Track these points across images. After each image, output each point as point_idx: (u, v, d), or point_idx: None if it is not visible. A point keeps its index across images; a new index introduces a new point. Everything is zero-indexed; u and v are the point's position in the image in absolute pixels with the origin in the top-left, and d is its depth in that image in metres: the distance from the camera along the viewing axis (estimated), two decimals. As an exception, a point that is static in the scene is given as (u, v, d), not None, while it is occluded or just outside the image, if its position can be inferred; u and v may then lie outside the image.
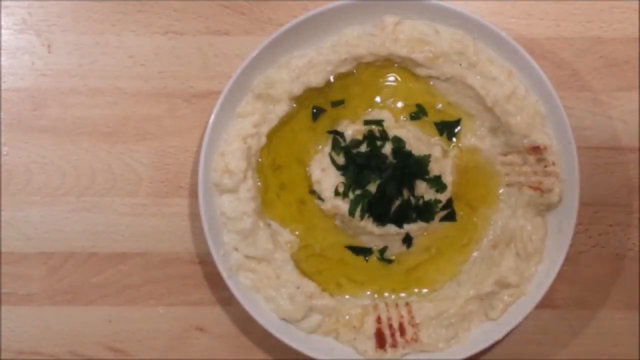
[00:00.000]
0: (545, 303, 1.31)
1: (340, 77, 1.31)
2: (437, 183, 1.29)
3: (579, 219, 1.29)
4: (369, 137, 1.29)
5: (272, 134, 1.30)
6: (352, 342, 1.29)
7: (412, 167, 1.28)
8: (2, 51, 1.35)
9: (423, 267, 1.32)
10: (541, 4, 1.36)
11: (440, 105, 1.32)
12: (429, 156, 1.28)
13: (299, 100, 1.30)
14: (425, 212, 1.29)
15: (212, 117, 1.26)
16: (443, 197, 1.30)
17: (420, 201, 1.29)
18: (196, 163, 1.33)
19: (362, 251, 1.32)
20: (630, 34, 1.36)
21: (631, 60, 1.36)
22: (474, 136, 1.32)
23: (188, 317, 1.34)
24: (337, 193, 1.29)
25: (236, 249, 1.28)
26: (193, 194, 1.34)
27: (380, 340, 1.28)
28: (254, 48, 1.27)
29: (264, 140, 1.29)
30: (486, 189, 1.32)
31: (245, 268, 1.28)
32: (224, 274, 1.26)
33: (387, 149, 1.29)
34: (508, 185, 1.31)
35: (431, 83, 1.32)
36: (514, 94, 1.28)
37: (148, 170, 1.35)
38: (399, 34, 1.29)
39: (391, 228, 1.29)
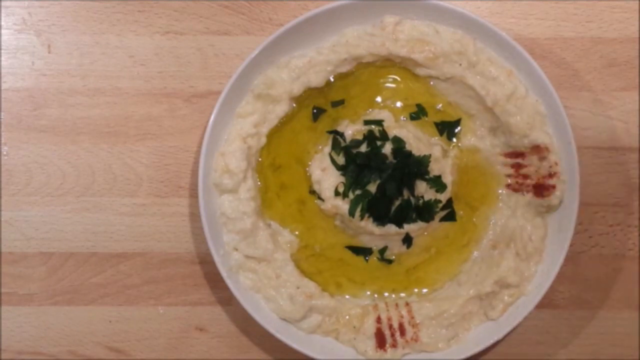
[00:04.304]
0: (545, 303, 1.32)
1: (340, 77, 1.31)
2: (437, 183, 1.29)
3: (579, 219, 1.30)
4: (369, 137, 1.29)
5: (272, 134, 1.30)
6: (352, 342, 1.29)
7: (412, 167, 1.28)
8: (2, 51, 1.35)
9: (423, 267, 1.32)
10: (541, 4, 1.36)
11: (440, 105, 1.32)
12: (429, 156, 1.28)
13: (299, 100, 1.30)
14: (425, 212, 1.29)
15: (212, 117, 1.26)
16: (443, 197, 1.30)
17: (420, 201, 1.29)
18: (196, 163, 1.33)
19: (362, 251, 1.32)
20: (630, 34, 1.36)
21: (631, 60, 1.36)
22: (474, 136, 1.32)
23: (188, 317, 1.34)
24: (337, 193, 1.29)
25: (236, 249, 1.28)
26: (193, 194, 1.34)
27: (380, 340, 1.28)
28: (254, 48, 1.27)
29: (264, 140, 1.29)
30: (486, 189, 1.32)
31: (245, 268, 1.28)
32: (224, 274, 1.26)
33: (387, 149, 1.29)
34: (509, 186, 1.30)
35: (431, 83, 1.32)
36: (514, 94, 1.28)
37: (148, 170, 1.35)
38: (399, 34, 1.29)
39: (391, 228, 1.29)
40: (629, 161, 1.35)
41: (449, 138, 1.32)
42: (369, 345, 1.28)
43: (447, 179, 1.30)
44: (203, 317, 1.34)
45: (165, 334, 1.34)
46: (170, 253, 1.34)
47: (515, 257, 1.29)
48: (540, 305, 1.28)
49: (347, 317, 1.29)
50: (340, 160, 1.30)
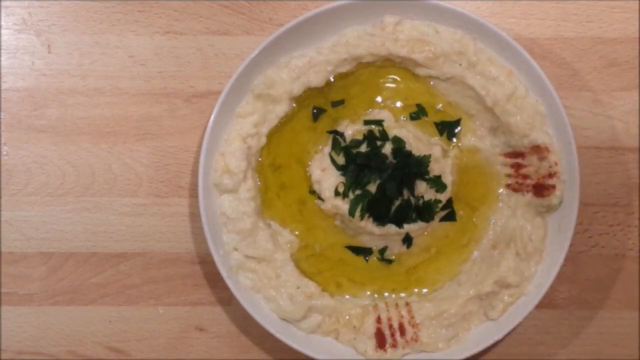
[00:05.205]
0: (545, 303, 1.32)
1: (340, 77, 1.31)
2: (437, 183, 1.29)
3: (579, 219, 1.30)
4: (369, 137, 1.29)
5: (272, 134, 1.30)
6: (352, 342, 1.29)
7: (412, 167, 1.28)
8: (2, 51, 1.35)
9: (423, 267, 1.32)
10: (541, 4, 1.36)
11: (440, 105, 1.32)
12: (429, 156, 1.28)
13: (299, 100, 1.30)
14: (425, 212, 1.29)
15: (212, 117, 1.26)
16: (443, 197, 1.30)
17: (420, 201, 1.29)
18: (196, 163, 1.33)
19: (362, 251, 1.32)
20: (630, 34, 1.36)
21: (631, 60, 1.36)
22: (474, 136, 1.32)
23: (188, 317, 1.34)
24: (337, 193, 1.29)
25: (236, 249, 1.28)
26: (193, 194, 1.34)
27: (380, 340, 1.28)
28: (254, 48, 1.27)
29: (264, 140, 1.29)
30: (486, 189, 1.32)
31: (245, 268, 1.28)
32: (224, 274, 1.26)
33: (387, 149, 1.29)
34: (509, 186, 1.30)
35: (431, 83, 1.32)
36: (514, 94, 1.28)
37: (148, 170, 1.35)
38: (399, 34, 1.29)
39: (391, 228, 1.29)
40: (629, 161, 1.35)
41: (449, 138, 1.32)
42: (369, 345, 1.28)
43: (447, 179, 1.30)
44: (203, 317, 1.34)
45: (165, 334, 1.34)
46: (170, 253, 1.34)
47: (515, 257, 1.29)
48: (540, 305, 1.28)
49: (347, 317, 1.29)
50: (340, 160, 1.30)
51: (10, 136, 1.35)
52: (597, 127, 1.35)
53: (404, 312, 1.30)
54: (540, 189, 1.28)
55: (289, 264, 1.29)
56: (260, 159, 1.31)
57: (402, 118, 1.32)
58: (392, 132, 1.29)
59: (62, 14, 1.36)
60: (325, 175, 1.30)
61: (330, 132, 1.31)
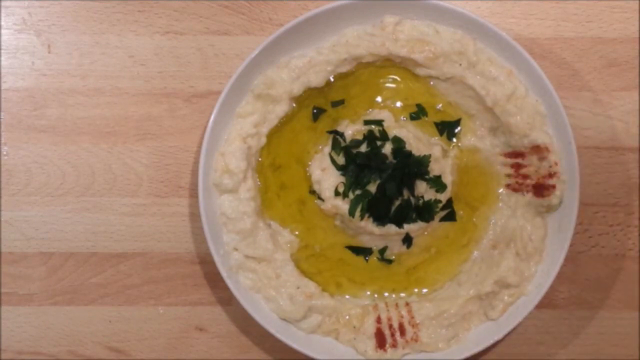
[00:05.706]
0: (545, 303, 1.32)
1: (340, 77, 1.31)
2: (437, 183, 1.29)
3: (579, 219, 1.30)
4: (369, 137, 1.29)
5: (272, 134, 1.30)
6: (352, 342, 1.29)
7: (412, 167, 1.28)
8: (2, 51, 1.35)
9: (423, 267, 1.32)
10: (541, 4, 1.36)
11: (440, 105, 1.32)
12: (429, 156, 1.28)
13: (299, 100, 1.30)
14: (425, 212, 1.29)
15: (212, 117, 1.26)
16: (443, 197, 1.30)
17: (420, 201, 1.29)
18: (196, 163, 1.33)
19: (362, 251, 1.32)
20: (630, 34, 1.36)
21: (631, 60, 1.36)
22: (474, 136, 1.32)
23: (188, 317, 1.34)
24: (337, 193, 1.29)
25: (236, 249, 1.28)
26: (193, 194, 1.34)
27: (380, 340, 1.28)
28: (254, 48, 1.27)
29: (264, 140, 1.29)
30: (486, 189, 1.32)
31: (245, 268, 1.28)
32: (224, 274, 1.26)
33: (387, 149, 1.29)
34: (509, 186, 1.30)
35: (431, 83, 1.32)
36: (514, 94, 1.28)
37: (148, 170, 1.35)
38: (399, 34, 1.29)
39: (391, 228, 1.29)
40: (629, 161, 1.35)
41: (449, 138, 1.32)
42: (369, 345, 1.28)
43: (447, 179, 1.30)
44: (203, 317, 1.34)
45: (165, 334, 1.34)
46: (170, 253, 1.34)
47: (515, 257, 1.29)
48: (540, 305, 1.28)
49: (347, 317, 1.29)
50: (340, 160, 1.30)
51: (10, 136, 1.35)
52: (597, 127, 1.35)
53: (404, 312, 1.30)
54: (540, 189, 1.28)
55: (289, 264, 1.29)
56: (260, 159, 1.31)
57: (402, 118, 1.32)
58: (392, 132, 1.29)
59: (62, 14, 1.36)
60: (325, 175, 1.30)
61: (330, 132, 1.31)
